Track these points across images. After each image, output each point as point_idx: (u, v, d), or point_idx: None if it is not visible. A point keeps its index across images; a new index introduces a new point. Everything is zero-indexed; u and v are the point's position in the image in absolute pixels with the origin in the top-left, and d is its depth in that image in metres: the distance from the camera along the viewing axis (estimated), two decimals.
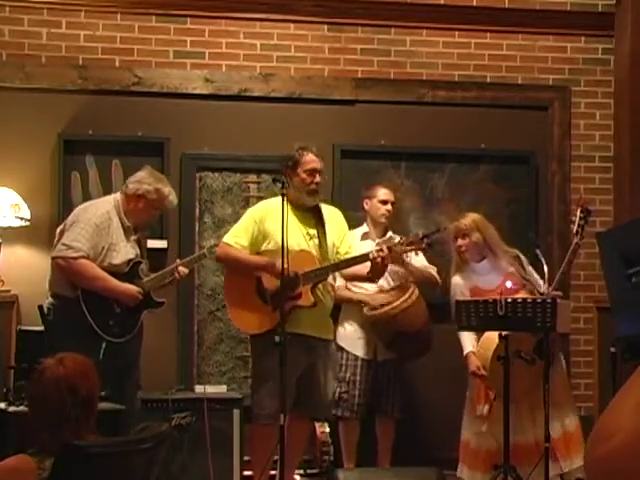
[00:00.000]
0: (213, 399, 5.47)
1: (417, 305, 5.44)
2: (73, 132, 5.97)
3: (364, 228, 5.75)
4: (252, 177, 6.21)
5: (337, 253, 5.12)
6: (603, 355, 6.04)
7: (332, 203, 5.63)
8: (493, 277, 5.16)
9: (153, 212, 5.22)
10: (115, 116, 6.04)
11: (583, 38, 6.56)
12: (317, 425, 5.72)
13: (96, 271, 4.91)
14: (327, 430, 5.79)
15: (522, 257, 5.27)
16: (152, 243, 5.65)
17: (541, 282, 5.09)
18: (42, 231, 5.78)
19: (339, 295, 5.53)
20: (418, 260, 5.73)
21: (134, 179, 5.16)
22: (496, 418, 4.81)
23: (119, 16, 6.07)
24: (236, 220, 5.35)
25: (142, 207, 5.11)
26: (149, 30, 6.09)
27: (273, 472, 5.16)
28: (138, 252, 5.13)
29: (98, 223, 4.96)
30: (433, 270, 5.76)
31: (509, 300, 4.59)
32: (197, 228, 6.14)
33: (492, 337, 4.81)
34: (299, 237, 4.95)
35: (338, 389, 5.54)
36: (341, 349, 5.61)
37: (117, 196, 5.17)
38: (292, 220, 4.79)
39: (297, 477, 5.66)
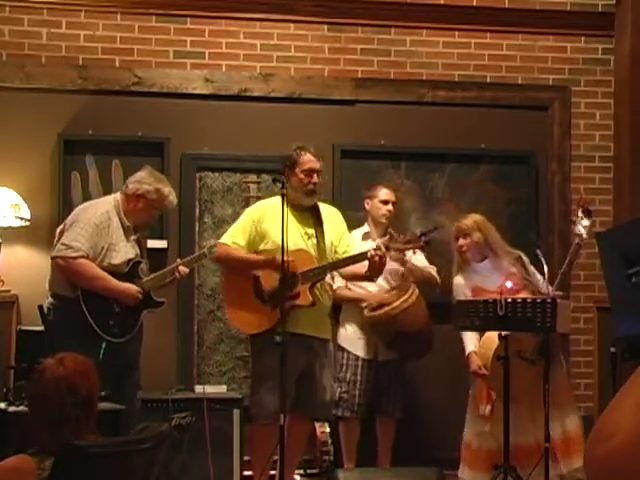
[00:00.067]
0: (213, 399, 5.47)
1: (417, 305, 5.43)
2: (73, 132, 5.97)
3: (365, 228, 5.75)
4: (252, 177, 6.21)
5: (335, 252, 5.12)
6: (603, 355, 6.04)
7: (332, 203, 5.63)
8: (495, 277, 5.16)
9: (153, 212, 5.22)
10: (115, 116, 6.04)
11: (583, 38, 6.56)
12: (317, 425, 5.72)
13: (96, 271, 4.91)
14: (327, 430, 5.79)
15: (524, 258, 5.26)
16: (152, 243, 5.65)
17: (544, 283, 5.09)
18: (42, 231, 5.78)
19: (339, 295, 5.53)
20: (418, 260, 5.74)
21: (134, 179, 5.17)
22: (497, 418, 4.81)
23: (119, 16, 6.07)
24: (236, 220, 5.35)
25: (142, 207, 5.11)
26: (149, 30, 6.09)
27: (273, 472, 5.16)
28: (138, 252, 5.13)
29: (98, 223, 4.96)
30: (433, 270, 5.76)
31: (509, 300, 4.59)
32: (197, 228, 6.14)
33: (493, 337, 4.81)
34: (297, 237, 4.95)
35: (339, 389, 5.55)
36: (342, 349, 5.62)
37: (117, 196, 5.17)
38: (290, 220, 4.79)
39: (297, 477, 5.66)
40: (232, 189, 6.20)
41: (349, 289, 5.61)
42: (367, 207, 5.79)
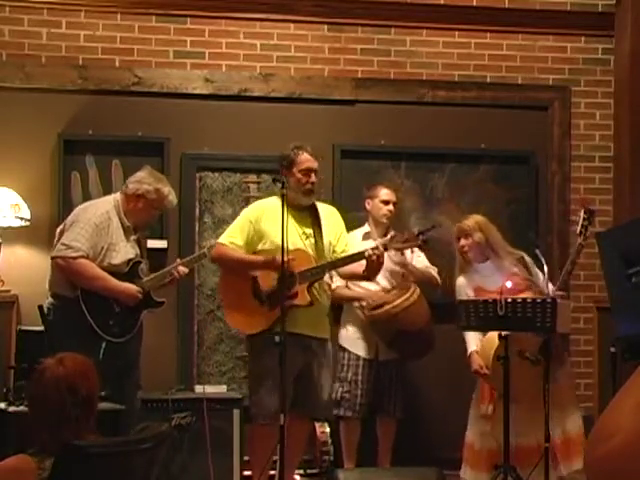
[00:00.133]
0: (213, 399, 5.47)
1: (418, 304, 5.44)
2: (73, 132, 5.97)
3: (366, 228, 5.76)
4: (252, 177, 6.21)
5: (333, 252, 5.12)
6: (603, 355, 6.04)
7: (332, 203, 5.63)
8: (496, 278, 5.16)
9: (153, 212, 5.22)
10: (115, 116, 6.04)
11: (583, 38, 6.56)
12: (317, 425, 5.72)
13: (95, 271, 4.91)
14: (327, 430, 5.79)
15: (527, 258, 5.26)
16: (152, 243, 5.65)
17: (547, 283, 5.09)
18: (42, 231, 5.78)
19: (339, 294, 5.53)
20: (419, 261, 5.74)
21: (134, 179, 5.17)
22: (499, 418, 4.81)
23: (119, 16, 6.07)
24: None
25: (142, 207, 5.11)
26: (149, 30, 6.09)
27: (273, 472, 5.16)
28: (138, 252, 5.13)
29: (98, 223, 4.96)
30: (434, 271, 5.77)
31: (509, 300, 4.59)
32: (197, 228, 6.14)
33: (495, 336, 4.81)
34: (295, 237, 4.94)
35: (340, 389, 5.56)
36: (343, 349, 5.63)
37: (117, 196, 5.17)
38: (288, 220, 4.77)
39: (297, 477, 5.66)
40: (232, 189, 6.20)
41: (349, 288, 5.61)
42: (368, 207, 5.79)
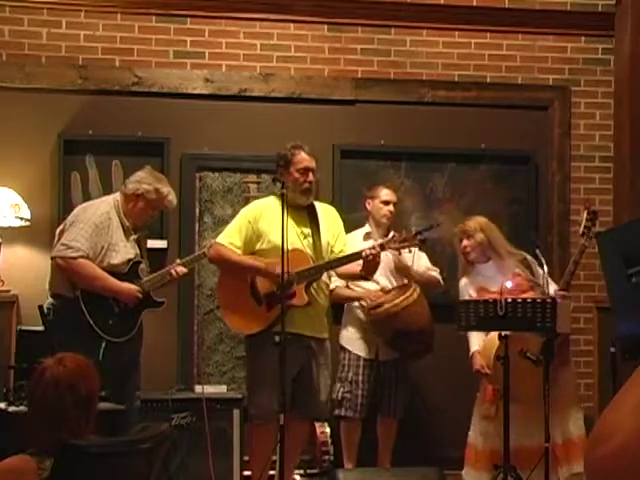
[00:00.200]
0: (213, 399, 5.47)
1: (419, 304, 5.45)
2: (73, 132, 5.97)
3: (366, 228, 5.76)
4: (252, 177, 6.21)
5: (332, 252, 5.11)
6: (603, 355, 6.04)
7: (332, 203, 5.64)
8: (499, 278, 5.16)
9: (152, 212, 5.22)
10: (115, 116, 6.04)
11: (583, 38, 6.56)
12: (317, 425, 5.72)
13: (95, 271, 4.91)
14: (327, 430, 5.79)
15: (530, 259, 5.26)
16: (152, 243, 5.65)
17: (547, 283, 5.10)
18: (42, 231, 5.78)
19: (339, 294, 5.54)
20: (420, 265, 5.74)
21: (133, 179, 5.16)
22: (502, 418, 4.80)
23: (119, 16, 6.07)
24: None
25: (141, 207, 5.10)
26: (149, 30, 6.09)
27: (272, 472, 5.16)
28: (138, 252, 5.12)
29: (97, 223, 4.96)
30: (436, 272, 5.77)
31: (509, 300, 4.59)
32: (197, 228, 6.14)
33: (510, 337, 4.80)
34: (293, 236, 4.92)
35: (341, 389, 5.56)
36: (343, 349, 5.63)
37: (116, 196, 5.17)
38: (286, 219, 4.76)
39: (297, 477, 5.67)
40: (232, 189, 6.20)
41: (350, 288, 5.61)
42: (368, 207, 5.79)
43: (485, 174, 6.39)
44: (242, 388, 5.90)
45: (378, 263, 4.94)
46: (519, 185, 6.44)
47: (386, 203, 5.74)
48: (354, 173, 6.22)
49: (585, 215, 5.06)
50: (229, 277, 5.11)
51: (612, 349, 4.82)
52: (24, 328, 5.13)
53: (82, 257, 4.88)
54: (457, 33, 6.41)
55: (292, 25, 6.24)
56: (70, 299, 4.89)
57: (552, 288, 5.04)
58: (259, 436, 4.99)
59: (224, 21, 6.17)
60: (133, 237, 5.11)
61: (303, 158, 5.06)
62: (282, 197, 4.63)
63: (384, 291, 5.56)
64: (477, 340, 5.15)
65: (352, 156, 6.24)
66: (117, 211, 5.07)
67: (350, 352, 5.62)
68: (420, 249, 5.49)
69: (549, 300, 4.59)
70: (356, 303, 5.62)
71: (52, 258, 4.99)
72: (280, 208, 4.81)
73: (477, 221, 5.33)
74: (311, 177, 5.06)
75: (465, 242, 5.30)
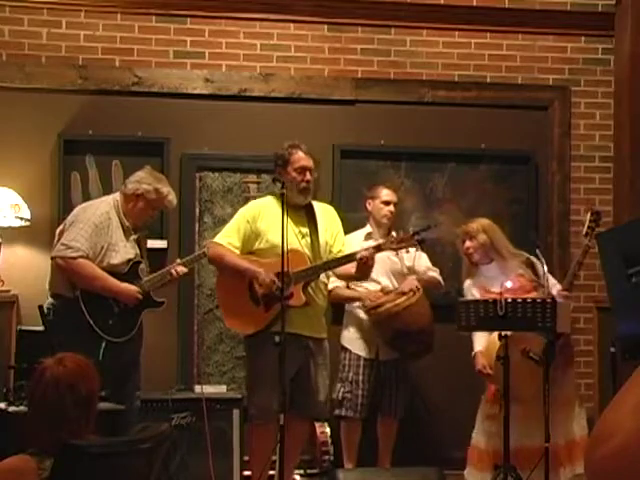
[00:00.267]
0: (213, 399, 5.47)
1: (420, 304, 5.46)
2: (73, 132, 5.97)
3: (367, 229, 5.76)
4: (252, 177, 6.21)
5: (330, 252, 5.11)
6: (603, 355, 6.04)
7: (332, 203, 5.64)
8: (503, 279, 5.19)
9: (152, 212, 5.22)
10: (115, 116, 6.04)
11: (583, 38, 6.56)
12: (317, 425, 5.72)
13: (95, 271, 4.91)
14: (327, 430, 5.79)
15: (533, 259, 5.26)
16: (152, 243, 5.65)
17: (548, 283, 5.12)
18: (42, 231, 5.78)
19: (338, 294, 5.54)
20: (421, 263, 5.75)
21: (133, 179, 5.16)
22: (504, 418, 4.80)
23: (119, 16, 6.07)
24: None
25: (141, 207, 5.10)
26: (149, 30, 6.09)
27: (272, 472, 5.16)
28: (138, 252, 5.12)
29: (97, 223, 4.96)
30: (436, 272, 5.77)
31: (509, 300, 4.60)
32: (197, 228, 6.14)
33: (511, 337, 4.80)
34: (291, 236, 4.91)
35: (342, 389, 5.56)
36: (344, 349, 5.63)
37: (116, 196, 5.17)
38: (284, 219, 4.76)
39: (297, 477, 5.67)
40: (232, 189, 6.20)
41: (352, 288, 5.60)
42: (369, 208, 5.79)
43: (485, 174, 6.39)
44: (242, 388, 5.90)
45: (372, 265, 4.95)
46: (519, 185, 6.44)
47: (387, 203, 5.75)
48: (354, 173, 6.22)
49: (588, 216, 5.08)
50: (227, 277, 5.11)
51: (612, 349, 4.82)
52: (24, 328, 5.13)
53: (82, 257, 4.87)
54: (457, 33, 6.41)
55: (292, 25, 6.24)
56: (70, 299, 4.89)
57: (555, 289, 5.05)
58: (259, 436, 4.99)
59: (224, 21, 6.17)
60: (133, 237, 5.11)
61: (300, 157, 5.06)
62: (282, 197, 4.62)
63: (384, 291, 5.57)
64: (481, 340, 5.16)
65: (352, 156, 6.24)
66: (117, 211, 5.07)
67: (350, 352, 5.62)
68: (418, 249, 5.49)
69: (549, 300, 4.59)
70: (357, 303, 5.62)
71: (52, 258, 4.99)
72: (278, 208, 4.81)
73: (480, 222, 5.35)
74: (309, 176, 5.05)
75: (468, 243, 5.31)
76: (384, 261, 5.53)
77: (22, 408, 4.20)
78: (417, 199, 6.30)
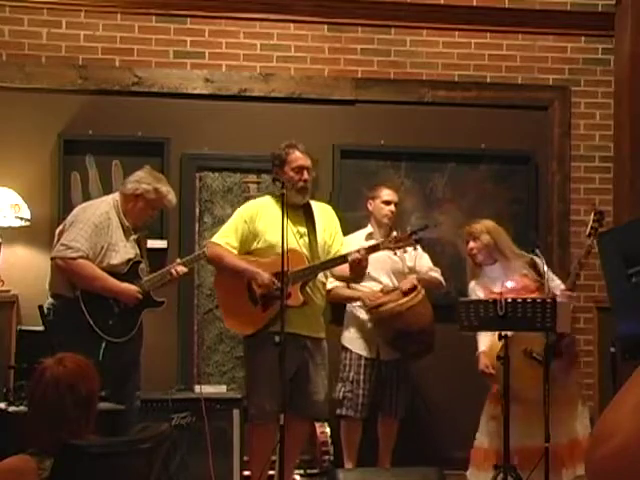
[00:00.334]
0: (213, 399, 5.47)
1: (422, 304, 5.46)
2: (73, 132, 5.97)
3: (369, 229, 5.76)
4: (252, 177, 6.21)
5: (328, 252, 5.10)
6: (603, 355, 6.04)
7: (332, 203, 5.64)
8: (505, 279, 5.22)
9: (152, 212, 5.22)
10: (115, 116, 6.04)
11: (583, 38, 6.56)
12: (317, 425, 5.72)
13: (95, 271, 4.90)
14: (327, 430, 5.79)
15: (538, 260, 5.27)
16: (152, 243, 5.65)
17: (561, 285, 5.17)
18: (42, 231, 5.78)
19: (338, 294, 5.54)
20: (423, 263, 5.75)
21: (132, 179, 5.16)
22: (507, 418, 4.80)
23: (119, 16, 6.07)
24: None
25: (141, 207, 5.10)
26: (149, 30, 6.09)
27: (272, 472, 5.16)
28: (137, 252, 5.12)
29: (97, 223, 4.96)
30: (437, 273, 5.77)
31: (509, 300, 4.61)
32: (197, 228, 6.14)
33: (513, 337, 4.81)
34: (289, 236, 4.87)
35: (342, 389, 5.57)
36: (345, 349, 5.63)
37: (116, 196, 5.16)
38: (282, 218, 4.75)
39: (297, 477, 5.67)
40: (232, 189, 6.20)
41: (352, 288, 5.60)
42: (370, 208, 5.80)
43: (485, 174, 6.39)
44: (242, 388, 5.90)
45: (365, 267, 4.94)
46: (519, 185, 6.44)
47: (387, 203, 5.75)
48: (354, 173, 6.22)
49: (592, 216, 5.09)
50: (226, 277, 5.11)
51: (612, 349, 4.82)
52: (24, 328, 5.13)
53: (82, 257, 4.87)
54: (457, 33, 6.41)
55: (292, 25, 6.24)
56: (70, 299, 4.89)
57: (559, 289, 5.09)
58: (259, 436, 4.99)
59: (224, 21, 6.17)
60: (133, 237, 5.11)
61: (297, 157, 5.06)
62: (282, 197, 4.62)
63: (385, 291, 5.57)
64: (485, 341, 5.17)
65: (352, 156, 6.24)
66: (117, 211, 5.07)
67: (351, 352, 5.62)
68: (416, 249, 5.48)
69: (549, 300, 4.60)
70: (358, 303, 5.62)
71: (52, 259, 4.99)
72: (276, 207, 4.82)
73: (484, 224, 5.39)
74: (306, 175, 5.05)
75: (471, 244, 5.35)
76: (385, 261, 5.53)
77: (22, 408, 4.20)
78: (417, 199, 6.30)
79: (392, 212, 5.74)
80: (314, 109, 6.24)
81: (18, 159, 5.92)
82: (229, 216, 5.99)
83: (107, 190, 5.74)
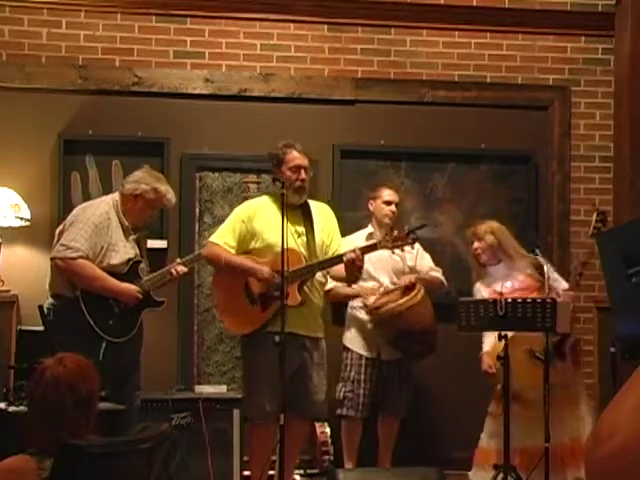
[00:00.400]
0: (213, 399, 5.47)
1: (422, 304, 5.46)
2: (73, 132, 5.97)
3: (369, 229, 5.76)
4: (252, 177, 6.21)
5: (326, 252, 5.10)
6: (603, 355, 6.04)
7: (332, 203, 5.63)
8: (512, 279, 5.24)
9: (151, 212, 5.22)
10: (115, 116, 6.04)
11: (583, 38, 6.56)
12: (317, 425, 5.72)
13: (95, 271, 4.90)
14: (327, 430, 5.79)
15: (542, 260, 5.28)
16: (152, 243, 5.65)
17: (564, 283, 5.20)
18: (42, 231, 5.78)
19: (338, 292, 5.54)
20: (424, 263, 5.75)
21: (131, 179, 5.16)
22: (511, 418, 4.80)
23: (119, 16, 6.07)
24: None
25: (140, 207, 5.10)
26: (149, 30, 6.09)
27: (272, 472, 5.16)
28: (137, 252, 5.12)
29: (97, 223, 4.96)
30: (439, 272, 5.77)
31: (509, 300, 4.62)
32: (197, 228, 6.14)
33: (516, 337, 4.81)
34: (287, 235, 4.91)
35: (343, 388, 5.57)
36: (346, 349, 5.64)
37: (115, 196, 5.16)
38: (280, 218, 4.75)
39: (297, 477, 5.67)
40: (232, 189, 6.20)
41: (351, 287, 5.60)
42: (371, 208, 5.80)
43: (485, 174, 6.39)
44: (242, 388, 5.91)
45: (360, 267, 4.93)
46: (519, 185, 6.44)
47: (388, 203, 5.75)
48: (354, 173, 6.22)
49: (595, 216, 5.10)
50: (224, 276, 5.11)
51: (612, 349, 4.83)
52: (24, 328, 5.13)
53: (81, 257, 4.87)
54: (457, 33, 6.41)
55: (292, 25, 6.23)
56: (70, 299, 4.89)
57: (562, 288, 5.11)
58: (259, 436, 4.99)
59: (224, 21, 6.17)
60: (132, 237, 5.11)
61: (295, 156, 5.06)
62: (282, 197, 4.62)
63: (385, 291, 5.57)
64: (490, 341, 5.18)
65: (352, 156, 6.24)
66: (116, 211, 5.07)
67: (352, 352, 5.62)
68: (413, 247, 5.48)
69: (549, 300, 4.61)
70: (359, 303, 5.62)
71: (52, 259, 4.99)
72: (274, 207, 4.82)
73: (488, 224, 5.47)
74: (303, 175, 5.04)
75: (476, 244, 5.41)
76: (386, 260, 5.53)
77: (22, 408, 4.20)
78: (417, 199, 6.30)
79: (393, 212, 5.74)
80: (314, 109, 6.24)
81: (18, 159, 5.92)
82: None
83: (107, 190, 5.74)
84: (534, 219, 6.41)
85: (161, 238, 5.94)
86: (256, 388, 4.95)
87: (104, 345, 4.82)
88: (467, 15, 6.38)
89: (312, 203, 5.18)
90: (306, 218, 5.09)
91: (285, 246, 4.51)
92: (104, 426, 3.29)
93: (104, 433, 3.01)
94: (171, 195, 5.18)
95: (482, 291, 5.32)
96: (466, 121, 6.37)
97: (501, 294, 4.86)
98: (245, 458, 5.41)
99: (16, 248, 5.88)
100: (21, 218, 5.72)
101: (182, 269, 5.19)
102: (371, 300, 5.54)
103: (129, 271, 5.04)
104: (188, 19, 6.13)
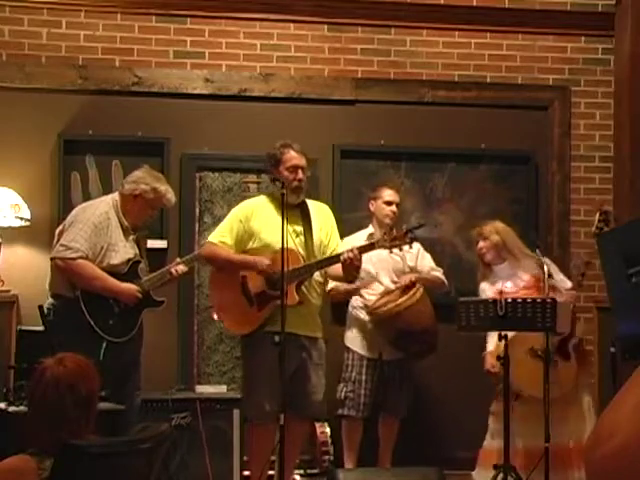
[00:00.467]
0: (213, 399, 5.47)
1: (422, 303, 5.47)
2: (73, 132, 5.97)
3: (370, 229, 5.76)
4: (252, 177, 6.21)
5: (324, 252, 5.10)
6: (603, 355, 6.04)
7: (332, 203, 5.63)
8: (516, 279, 5.26)
9: (151, 212, 5.22)
10: (115, 116, 6.04)
11: (583, 38, 6.56)
12: (317, 425, 5.72)
13: (95, 271, 4.90)
14: (327, 430, 5.79)
15: (547, 260, 5.29)
16: (152, 243, 5.65)
17: (567, 282, 5.21)
18: (42, 231, 5.78)
19: (339, 290, 5.54)
20: (425, 263, 5.75)
21: (131, 179, 5.16)
22: (514, 418, 4.80)
23: (119, 16, 6.07)
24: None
25: (140, 207, 5.10)
26: (149, 30, 6.09)
27: (272, 472, 5.16)
28: (137, 252, 5.12)
29: (97, 223, 4.96)
30: (439, 272, 5.77)
31: (509, 300, 4.62)
32: (197, 228, 6.14)
33: (511, 336, 4.81)
34: (285, 235, 4.90)
35: (344, 389, 5.57)
36: (347, 349, 5.64)
37: (115, 196, 5.16)
38: (277, 218, 4.75)
39: (297, 477, 5.67)
40: (232, 189, 6.20)
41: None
42: (371, 208, 5.80)
43: (485, 174, 6.39)
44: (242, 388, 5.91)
45: (358, 266, 4.92)
46: (519, 185, 6.44)
47: (389, 203, 5.75)
48: (354, 173, 6.22)
49: (597, 216, 5.10)
50: (221, 276, 5.11)
51: (612, 349, 4.83)
52: (24, 328, 5.13)
53: (81, 258, 4.87)
54: (457, 33, 6.41)
55: (292, 25, 6.24)
56: (70, 299, 4.89)
57: (565, 287, 5.13)
58: (258, 436, 4.99)
59: (224, 21, 6.17)
60: (132, 237, 5.11)
61: (292, 156, 5.05)
62: (282, 197, 4.62)
63: (386, 291, 5.57)
64: (494, 341, 5.18)
65: (352, 156, 6.24)
66: (116, 211, 5.07)
67: (354, 352, 5.63)
68: (411, 247, 5.47)
69: (549, 300, 4.61)
70: (360, 303, 5.62)
71: (51, 259, 4.99)
72: (271, 207, 4.83)
73: (493, 225, 5.51)
74: (301, 175, 5.04)
75: (481, 244, 5.45)
76: (386, 260, 5.53)
77: (22, 408, 4.20)
78: (417, 199, 6.30)
79: (394, 212, 5.74)
80: (314, 109, 6.24)
81: (18, 159, 5.92)
82: None
83: (107, 190, 5.74)
84: (534, 219, 6.42)
85: (161, 238, 5.94)
86: (256, 388, 4.95)
87: (104, 345, 4.82)
88: (467, 15, 6.38)
89: (310, 203, 5.18)
90: (304, 218, 5.09)
91: (285, 244, 4.51)
92: (104, 426, 3.29)
93: (104, 433, 3.01)
94: (171, 195, 5.18)
95: (487, 291, 5.34)
96: (466, 121, 6.37)
97: (501, 293, 4.86)
98: (245, 458, 5.41)
99: (16, 248, 5.88)
100: (21, 218, 5.72)
101: (182, 269, 5.19)
102: (371, 300, 5.54)
103: (129, 271, 5.04)
104: (188, 19, 6.13)
